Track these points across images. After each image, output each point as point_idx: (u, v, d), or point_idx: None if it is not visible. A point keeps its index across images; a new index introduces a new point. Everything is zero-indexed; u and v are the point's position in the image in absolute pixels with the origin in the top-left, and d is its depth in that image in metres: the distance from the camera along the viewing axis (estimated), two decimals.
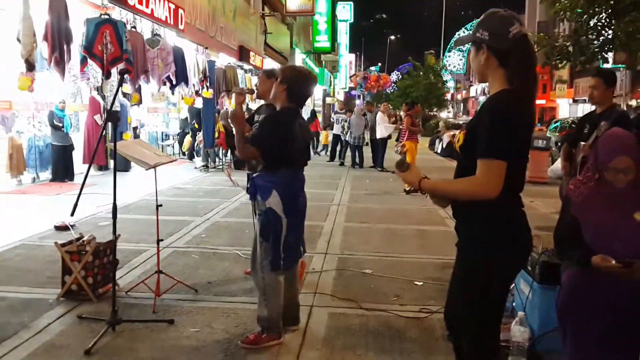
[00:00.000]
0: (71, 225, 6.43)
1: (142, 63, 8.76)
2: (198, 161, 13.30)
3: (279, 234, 3.44)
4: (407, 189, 10.05)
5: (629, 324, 2.63)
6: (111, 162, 11.98)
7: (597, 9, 6.95)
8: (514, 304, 3.87)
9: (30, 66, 6.71)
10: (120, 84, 3.50)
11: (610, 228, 2.87)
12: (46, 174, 10.42)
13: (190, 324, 3.82)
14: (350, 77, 43.40)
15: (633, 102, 23.17)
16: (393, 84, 38.71)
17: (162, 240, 4.43)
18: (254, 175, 3.55)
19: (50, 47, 7.06)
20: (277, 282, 3.53)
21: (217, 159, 13.76)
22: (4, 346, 3.39)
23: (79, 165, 10.79)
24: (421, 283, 4.79)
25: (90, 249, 4.13)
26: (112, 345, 3.44)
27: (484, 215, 2.14)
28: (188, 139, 14.78)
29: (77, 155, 10.83)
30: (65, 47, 7.23)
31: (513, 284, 3.92)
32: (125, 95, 12.32)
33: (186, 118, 15.60)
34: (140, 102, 11.54)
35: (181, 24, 10.38)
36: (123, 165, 11.39)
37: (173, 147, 16.23)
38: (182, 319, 3.88)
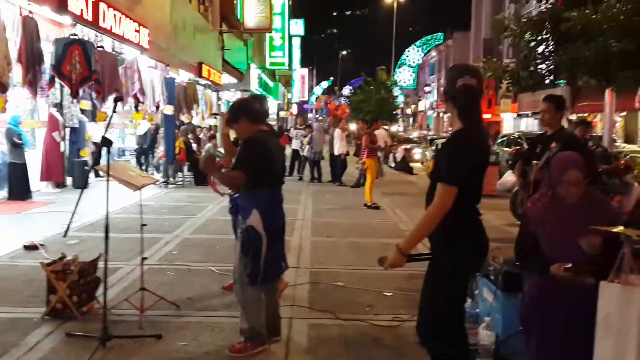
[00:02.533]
0: (40, 244, 6.44)
1: (112, 82, 8.80)
2: (158, 177, 13.28)
3: (259, 250, 3.67)
4: (368, 203, 10.42)
5: (585, 325, 3.00)
6: (68, 179, 11.87)
7: (545, 36, 7.58)
8: (477, 310, 4.23)
9: (4, 88, 6.70)
10: (114, 110, 3.67)
11: (565, 239, 3.26)
12: (3, 193, 10.22)
13: (177, 338, 3.98)
14: (316, 99, 45.53)
15: (573, 117, 24.49)
16: (348, 114, 40.08)
17: (146, 258, 4.57)
18: (235, 195, 3.77)
19: (25, 68, 7.07)
20: (256, 295, 3.76)
21: (176, 175, 13.79)
22: None
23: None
24: (391, 293, 5.11)
25: (76, 268, 4.24)
26: None
27: (445, 225, 2.67)
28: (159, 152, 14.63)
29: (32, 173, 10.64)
30: (37, 67, 7.24)
31: (476, 291, 4.28)
32: (83, 111, 12.24)
33: (145, 134, 15.55)
34: (108, 119, 11.50)
35: (146, 42, 10.46)
36: (82, 182, 11.30)
37: (130, 162, 16.11)
38: (169, 334, 4.03)
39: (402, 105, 56.88)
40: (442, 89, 2.88)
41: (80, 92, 7.76)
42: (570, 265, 3.12)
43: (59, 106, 11.18)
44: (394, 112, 43.11)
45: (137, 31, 10.07)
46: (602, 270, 3.01)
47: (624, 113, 21.57)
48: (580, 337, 3.00)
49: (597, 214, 3.27)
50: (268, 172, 3.74)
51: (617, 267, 2.82)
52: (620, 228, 2.88)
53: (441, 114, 52.30)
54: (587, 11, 6.37)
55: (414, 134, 33.51)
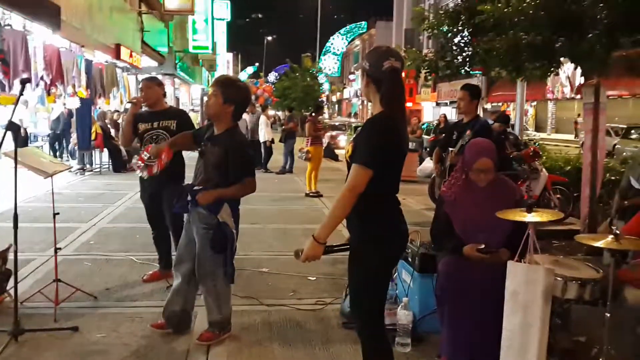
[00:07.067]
0: None
1: (20, 63, 8.26)
2: (74, 164, 12.68)
3: (232, 246, 3.65)
4: (308, 192, 10.41)
5: (494, 301, 3.18)
6: None
7: (460, 28, 7.89)
8: (396, 292, 4.38)
9: None
10: (21, 93, 3.47)
11: (476, 222, 3.45)
12: None
13: (95, 330, 3.87)
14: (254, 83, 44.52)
15: (488, 106, 25.73)
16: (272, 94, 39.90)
17: (60, 248, 4.38)
18: (195, 187, 3.60)
19: None
20: (228, 286, 3.77)
21: (93, 162, 13.24)
22: None
23: None
24: (314, 278, 5.18)
25: None
26: (17, 355, 3.42)
27: (362, 214, 2.57)
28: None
29: None
30: None
31: (395, 274, 4.43)
32: None
33: (57, 118, 14.80)
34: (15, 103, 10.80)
35: (57, 21, 9.88)
36: None
37: (42, 148, 15.28)
38: (86, 326, 3.90)
39: (327, 93, 57.23)
40: (361, 69, 2.74)
41: None
42: (482, 246, 3.31)
43: None
44: (320, 99, 43.36)
45: (48, 8, 9.50)
46: (510, 250, 3.23)
47: (535, 103, 22.86)
48: (490, 312, 3.19)
49: (506, 198, 3.50)
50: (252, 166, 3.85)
51: (522, 247, 3.03)
52: (525, 213, 3.08)
53: (365, 102, 53.18)
54: (499, 4, 6.67)
55: (337, 121, 33.92)
